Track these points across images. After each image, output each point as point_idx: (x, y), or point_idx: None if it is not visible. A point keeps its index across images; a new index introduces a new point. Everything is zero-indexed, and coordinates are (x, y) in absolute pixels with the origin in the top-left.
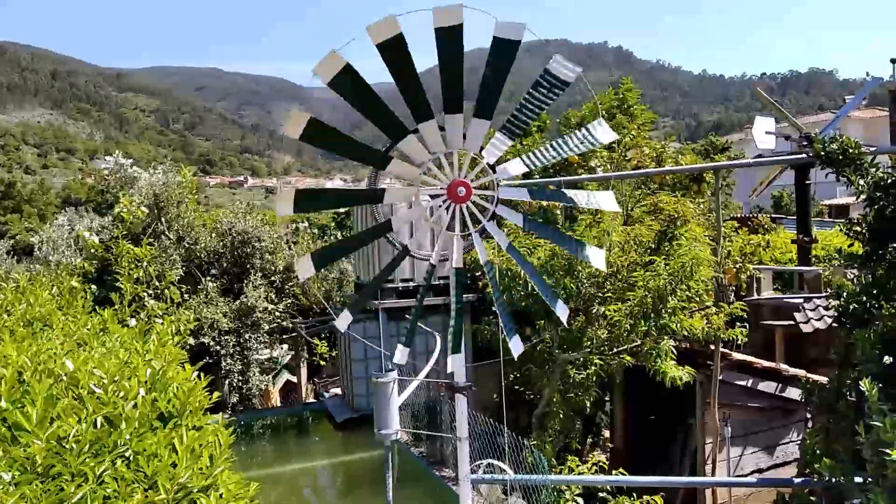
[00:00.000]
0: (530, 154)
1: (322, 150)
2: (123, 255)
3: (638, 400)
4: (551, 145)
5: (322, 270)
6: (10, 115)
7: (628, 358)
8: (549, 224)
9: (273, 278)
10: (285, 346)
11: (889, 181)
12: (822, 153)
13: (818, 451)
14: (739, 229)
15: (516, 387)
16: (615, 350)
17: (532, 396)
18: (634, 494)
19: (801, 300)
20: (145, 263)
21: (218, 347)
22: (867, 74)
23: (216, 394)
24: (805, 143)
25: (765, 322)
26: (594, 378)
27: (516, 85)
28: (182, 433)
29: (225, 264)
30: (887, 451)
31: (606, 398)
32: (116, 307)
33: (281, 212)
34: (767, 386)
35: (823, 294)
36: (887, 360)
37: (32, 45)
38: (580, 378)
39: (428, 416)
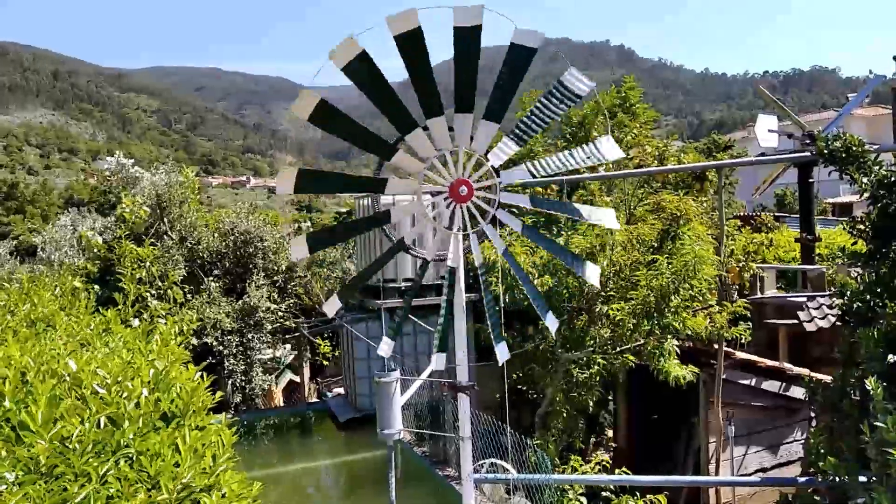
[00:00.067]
0: (535, 163)
1: (324, 150)
2: (126, 255)
3: (641, 399)
4: (557, 157)
5: (322, 270)
6: (13, 115)
7: (631, 357)
8: (552, 222)
9: (276, 278)
10: (288, 346)
11: (892, 179)
12: (826, 151)
13: (822, 451)
14: (742, 228)
15: (519, 386)
16: (618, 349)
17: (535, 396)
18: (638, 494)
19: (805, 299)
20: (148, 263)
21: (221, 347)
22: (870, 72)
23: (219, 394)
24: (808, 142)
25: (768, 321)
26: (597, 377)
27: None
28: (185, 433)
29: (227, 264)
30: (891, 450)
31: (609, 397)
32: (120, 307)
33: (281, 190)
34: (771, 385)
35: (827, 293)
36: (891, 358)
37: (33, 46)
38: (583, 377)
39: (431, 415)
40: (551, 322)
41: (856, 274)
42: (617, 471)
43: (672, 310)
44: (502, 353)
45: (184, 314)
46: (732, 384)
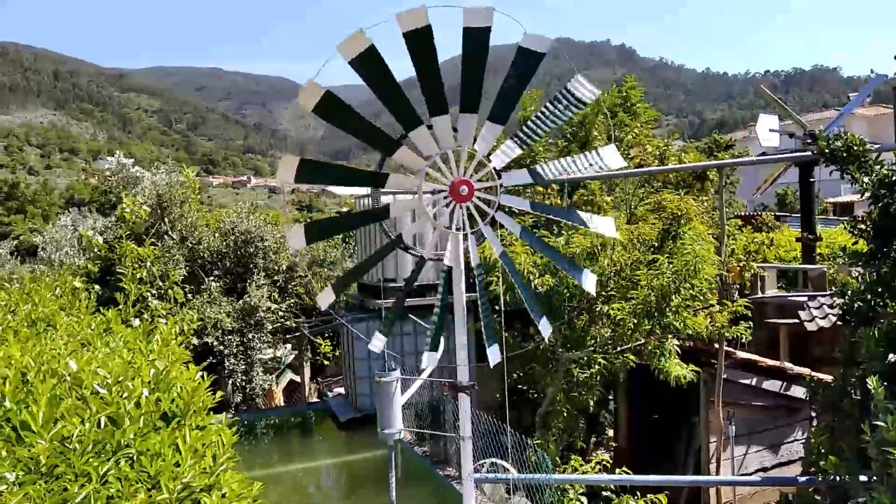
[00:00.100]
0: (537, 167)
1: (325, 151)
2: (127, 254)
3: (642, 399)
4: (559, 163)
5: (323, 270)
6: (14, 115)
7: (632, 357)
8: (552, 222)
9: (276, 278)
10: (289, 346)
11: (894, 178)
12: (827, 150)
13: (823, 450)
14: (743, 227)
15: (519, 386)
16: (619, 349)
17: (535, 395)
18: (638, 493)
19: (806, 298)
20: (149, 263)
21: (221, 347)
22: (871, 72)
23: (219, 393)
24: (809, 141)
25: (769, 320)
26: (598, 377)
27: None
28: (185, 433)
29: (228, 264)
30: (892, 449)
31: (610, 397)
32: (121, 307)
33: (282, 178)
34: (772, 384)
35: (828, 292)
36: (892, 358)
37: (34, 46)
38: (584, 377)
39: (431, 415)
40: (545, 327)
41: (857, 273)
42: (617, 470)
43: (673, 309)
44: (494, 355)
45: (184, 314)
46: (733, 384)
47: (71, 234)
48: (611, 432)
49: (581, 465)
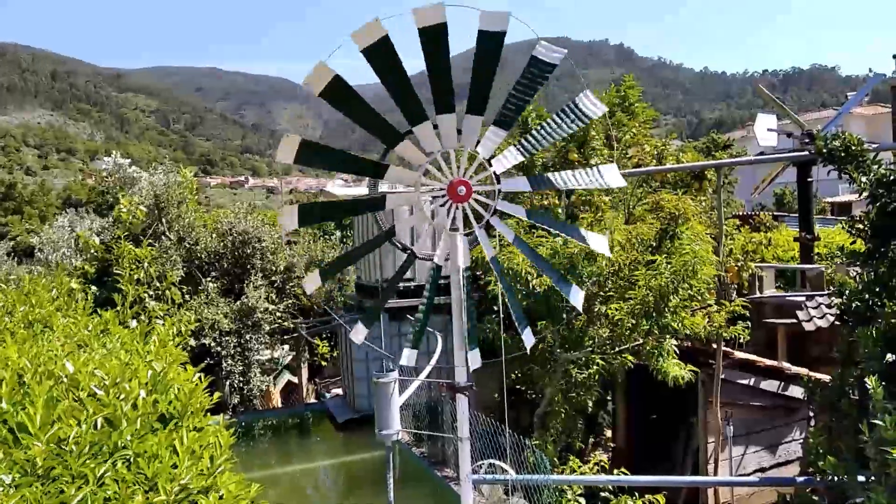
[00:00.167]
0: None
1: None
2: (124, 255)
3: (640, 399)
4: (560, 175)
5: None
6: (11, 115)
7: (630, 357)
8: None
9: (274, 279)
10: (286, 347)
11: (891, 178)
12: (825, 150)
13: (821, 450)
14: (741, 227)
15: (518, 386)
16: (617, 349)
17: (533, 396)
18: (637, 494)
19: (804, 298)
20: (146, 264)
21: (219, 348)
22: (869, 71)
23: (217, 395)
24: (807, 141)
25: (767, 320)
26: (596, 377)
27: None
28: (183, 434)
29: (226, 265)
30: (890, 449)
31: (608, 397)
32: (119, 308)
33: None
34: (770, 384)
35: (826, 292)
36: (890, 357)
37: (32, 46)
38: (582, 377)
39: (429, 416)
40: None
41: (854, 273)
42: (615, 471)
43: (671, 309)
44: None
45: (182, 315)
46: (731, 384)
47: (68, 235)
48: (609, 433)
49: (579, 466)
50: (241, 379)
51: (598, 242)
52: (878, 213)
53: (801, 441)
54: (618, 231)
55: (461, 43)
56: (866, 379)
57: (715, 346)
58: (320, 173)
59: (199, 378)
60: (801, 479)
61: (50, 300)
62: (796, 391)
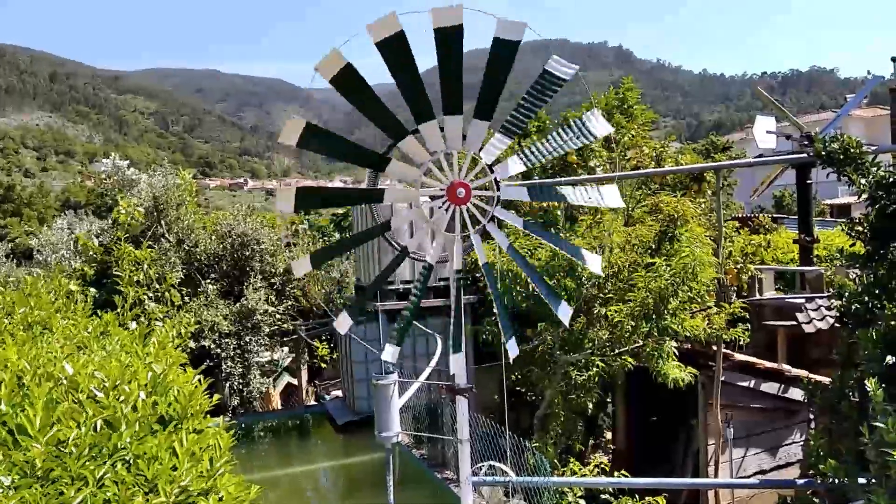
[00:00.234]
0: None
1: (321, 155)
2: (124, 257)
3: (640, 401)
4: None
5: (322, 272)
6: (10, 117)
7: (630, 359)
8: (549, 224)
9: (273, 280)
10: (286, 349)
11: (891, 180)
12: (824, 152)
13: (821, 453)
14: (741, 229)
15: (518, 388)
16: (617, 351)
17: (533, 398)
18: (636, 496)
19: (803, 300)
20: (146, 266)
21: (218, 350)
22: (868, 73)
23: (216, 396)
24: (806, 143)
25: (767, 322)
26: (596, 379)
27: (517, 84)
28: (182, 436)
29: (225, 267)
30: (891, 451)
31: (608, 399)
32: (119, 310)
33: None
34: (770, 387)
35: (825, 294)
36: (890, 360)
37: (31, 48)
38: (582, 379)
39: (429, 418)
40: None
41: (854, 275)
42: (616, 473)
43: (670, 312)
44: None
45: (181, 317)
46: (731, 386)
47: (67, 237)
48: (609, 435)
49: (579, 469)
50: (241, 381)
51: (592, 260)
52: (877, 215)
53: (802, 443)
54: (617, 233)
55: (466, 43)
56: (866, 381)
57: (715, 348)
58: (319, 175)
59: (199, 380)
60: (801, 481)
61: (50, 302)
62: (796, 393)
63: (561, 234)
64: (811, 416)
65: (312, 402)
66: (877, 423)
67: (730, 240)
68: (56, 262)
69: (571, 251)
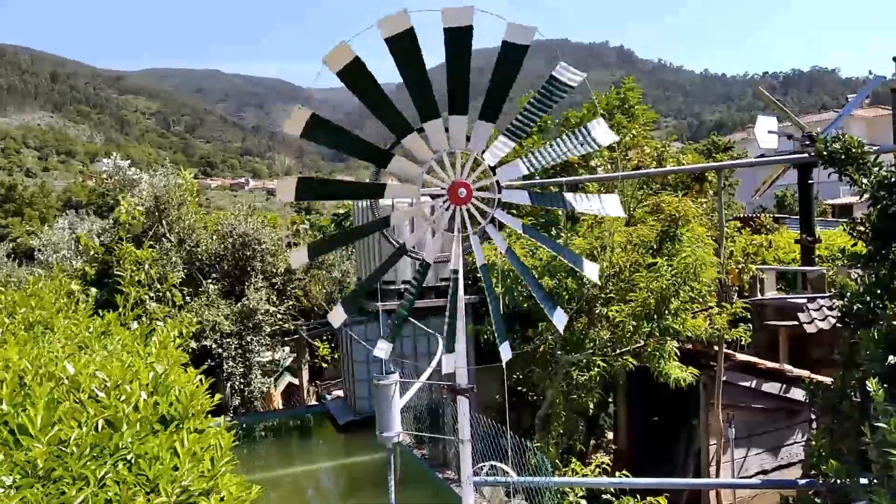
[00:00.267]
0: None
1: (323, 153)
2: (125, 257)
3: (641, 401)
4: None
5: (323, 272)
6: (11, 117)
7: (631, 359)
8: (550, 224)
9: (274, 280)
10: (287, 349)
11: (892, 180)
12: (825, 152)
13: (823, 453)
14: (742, 229)
15: (519, 388)
16: (618, 351)
17: (535, 398)
18: (638, 496)
19: (805, 300)
20: (147, 266)
21: (220, 350)
22: (870, 73)
23: (218, 396)
24: (808, 143)
25: (768, 322)
26: (597, 379)
27: (517, 84)
28: (184, 436)
29: (226, 266)
30: (893, 451)
31: (609, 399)
32: (121, 310)
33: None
34: (771, 387)
35: (827, 294)
36: (892, 360)
37: (32, 48)
38: (583, 379)
39: (430, 418)
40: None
41: (856, 275)
42: (617, 473)
43: (672, 312)
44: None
45: (183, 317)
46: (733, 386)
47: (68, 237)
48: (610, 435)
49: (581, 469)
50: (242, 381)
51: (590, 268)
52: (879, 215)
53: (803, 443)
54: (618, 233)
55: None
56: (868, 381)
57: (716, 348)
58: (320, 176)
59: (200, 380)
60: (802, 481)
61: (51, 302)
62: (798, 393)
63: (562, 234)
64: (813, 417)
65: (313, 402)
66: (878, 424)
67: (731, 240)
68: (57, 262)
69: (570, 258)
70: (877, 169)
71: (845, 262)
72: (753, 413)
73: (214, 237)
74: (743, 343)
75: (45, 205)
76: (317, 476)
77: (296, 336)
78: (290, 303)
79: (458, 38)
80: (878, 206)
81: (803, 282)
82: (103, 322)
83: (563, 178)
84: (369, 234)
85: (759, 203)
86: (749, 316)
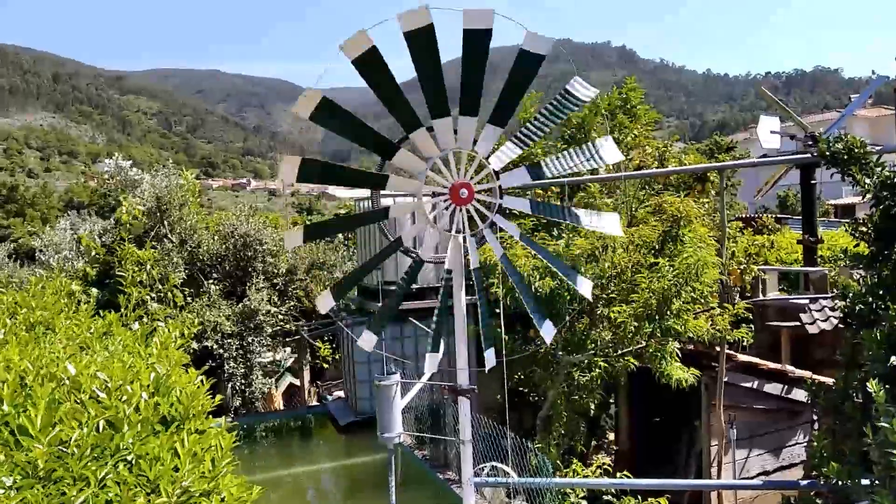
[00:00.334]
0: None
1: (325, 154)
2: (127, 257)
3: (643, 402)
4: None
5: (323, 273)
6: (13, 118)
7: (633, 360)
8: (552, 225)
9: (276, 281)
10: (288, 349)
11: (895, 180)
12: (828, 152)
13: (825, 454)
14: (744, 229)
15: (520, 389)
16: (619, 352)
17: (536, 399)
18: (639, 497)
19: (807, 301)
20: (148, 266)
21: (221, 351)
22: (872, 73)
23: (219, 397)
24: (810, 143)
25: (770, 323)
26: (598, 380)
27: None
28: (184, 437)
29: (227, 267)
30: (895, 452)
31: (611, 400)
32: (123, 311)
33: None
34: (773, 387)
35: (829, 295)
36: (894, 360)
37: (34, 48)
38: (584, 380)
39: (431, 418)
40: (548, 331)
41: (858, 276)
42: (618, 474)
43: (674, 312)
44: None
45: (184, 317)
46: (734, 387)
47: (70, 238)
48: (612, 436)
49: (582, 469)
50: (243, 381)
51: (583, 285)
52: (881, 215)
53: (805, 444)
54: None
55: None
56: (869, 382)
57: (718, 349)
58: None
59: (201, 380)
60: (804, 482)
61: (52, 302)
62: (800, 394)
63: (563, 234)
64: (815, 417)
65: (314, 403)
66: (880, 424)
67: (733, 240)
68: (59, 262)
69: (563, 270)
70: (879, 169)
71: (847, 262)
72: (755, 414)
73: (216, 238)
74: (745, 344)
75: (46, 205)
76: (318, 477)
77: (297, 337)
78: (292, 303)
79: (476, 41)
80: (881, 207)
81: (805, 282)
82: (104, 323)
83: (566, 178)
84: (369, 223)
85: (762, 203)
86: (751, 316)
